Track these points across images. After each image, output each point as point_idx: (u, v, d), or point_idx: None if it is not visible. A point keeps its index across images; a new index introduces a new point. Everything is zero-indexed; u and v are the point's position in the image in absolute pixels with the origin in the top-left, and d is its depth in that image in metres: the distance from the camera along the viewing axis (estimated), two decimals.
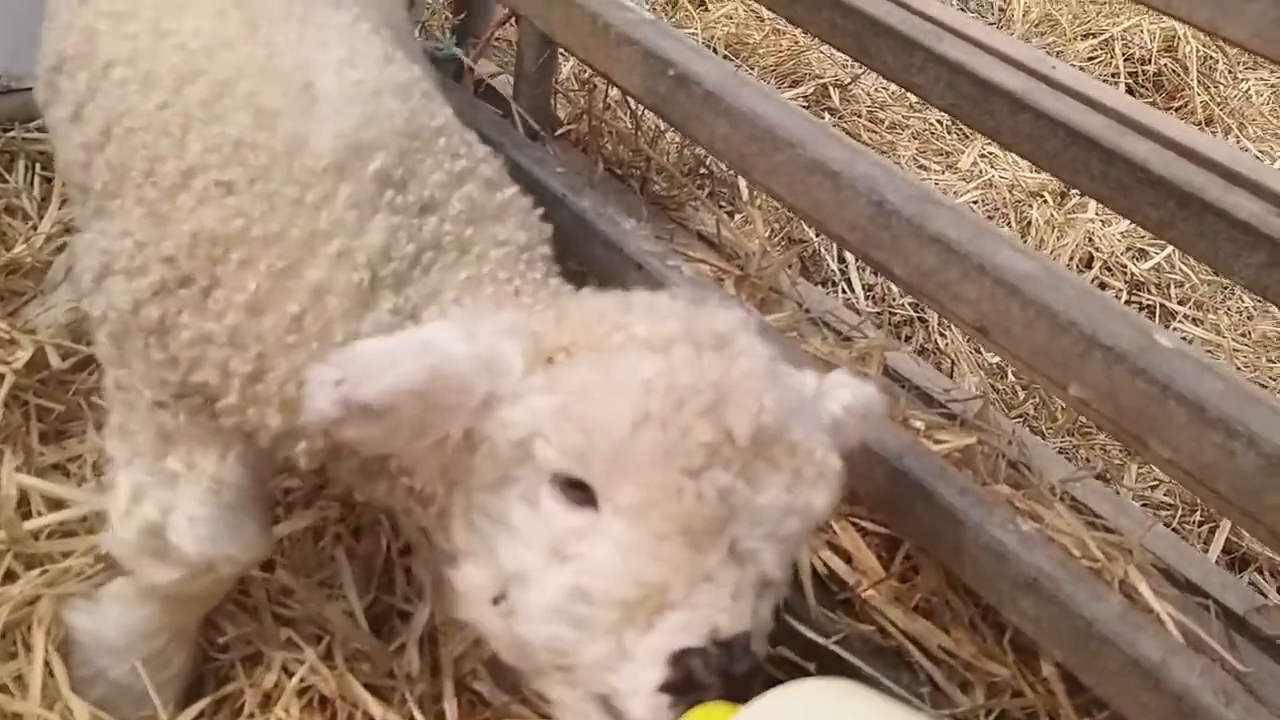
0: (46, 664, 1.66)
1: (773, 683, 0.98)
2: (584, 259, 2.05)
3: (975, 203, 3.55)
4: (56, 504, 1.89)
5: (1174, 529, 2.68)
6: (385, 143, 1.33)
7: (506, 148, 2.15)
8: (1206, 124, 4.06)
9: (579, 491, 1.08)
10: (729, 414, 1.07)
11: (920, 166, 3.65)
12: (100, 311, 1.43)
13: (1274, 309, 3.32)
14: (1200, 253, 1.63)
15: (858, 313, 2.87)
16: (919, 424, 1.94)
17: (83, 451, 2.03)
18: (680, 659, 1.01)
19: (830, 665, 1.74)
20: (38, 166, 2.57)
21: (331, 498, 1.99)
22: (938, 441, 1.88)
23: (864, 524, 1.84)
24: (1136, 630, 1.45)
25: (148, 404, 1.44)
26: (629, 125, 2.77)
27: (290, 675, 1.73)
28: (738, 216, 2.86)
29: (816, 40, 3.57)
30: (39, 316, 2.19)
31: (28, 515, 1.87)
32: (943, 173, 3.64)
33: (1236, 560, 2.61)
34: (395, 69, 1.44)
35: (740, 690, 1.00)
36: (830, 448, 1.15)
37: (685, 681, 1.00)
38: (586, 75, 2.89)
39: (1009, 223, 3.50)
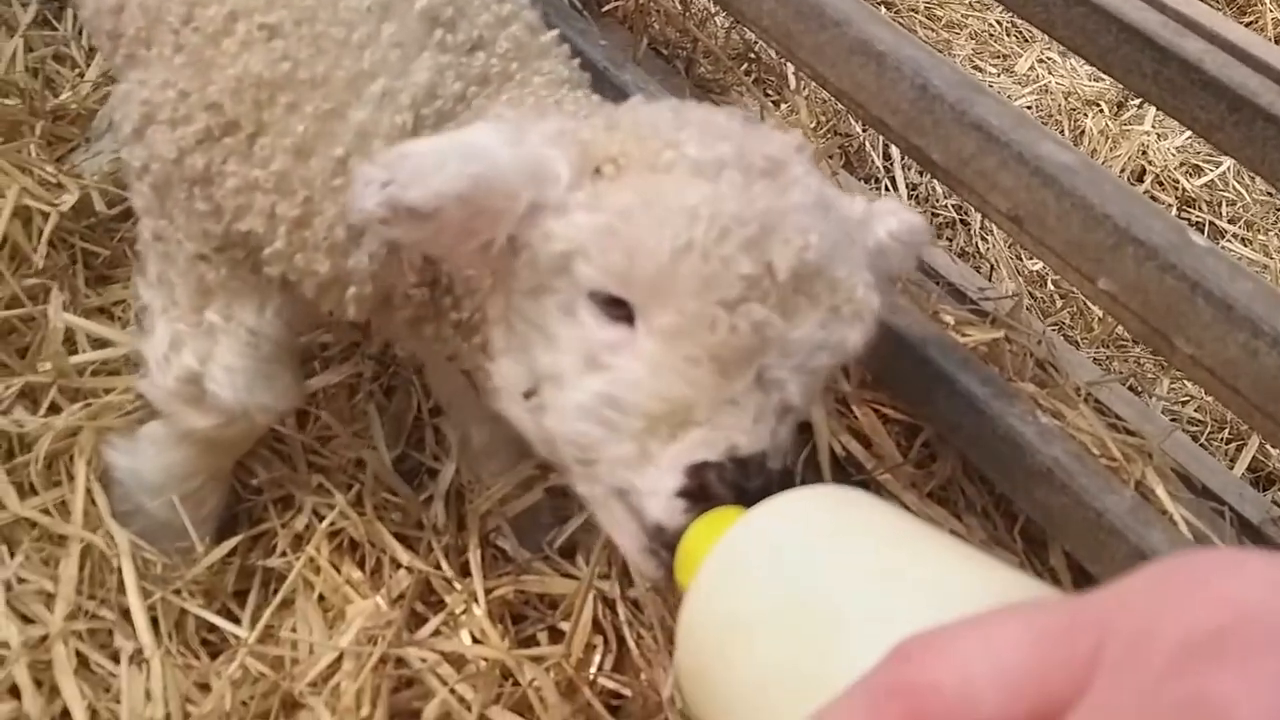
0: (89, 492, 1.73)
1: None
2: None
3: (1029, 108, 3.49)
4: (100, 343, 1.95)
5: (1201, 444, 2.69)
6: None
7: (551, 18, 2.14)
8: (1277, 43, 3.93)
9: (616, 307, 1.09)
10: (773, 248, 1.07)
11: (975, 68, 3.57)
12: (141, 162, 1.45)
13: None
14: (1248, 158, 1.60)
15: None
16: (949, 319, 1.95)
17: (126, 297, 2.08)
18: (698, 470, 1.03)
19: None
20: None
21: (367, 356, 2.04)
22: (965, 335, 1.89)
23: (885, 410, 1.87)
24: (1146, 525, 1.47)
25: (188, 256, 1.47)
26: (677, 4, 2.74)
27: (321, 519, 1.80)
28: (783, 106, 2.84)
29: None
30: (85, 163, 2.23)
31: (73, 352, 1.93)
32: (999, 75, 3.56)
33: (1261, 479, 2.62)
34: None
35: (757, 501, 1.04)
36: (871, 285, 1.14)
37: (700, 490, 1.03)
38: None
39: (1063, 130, 3.43)
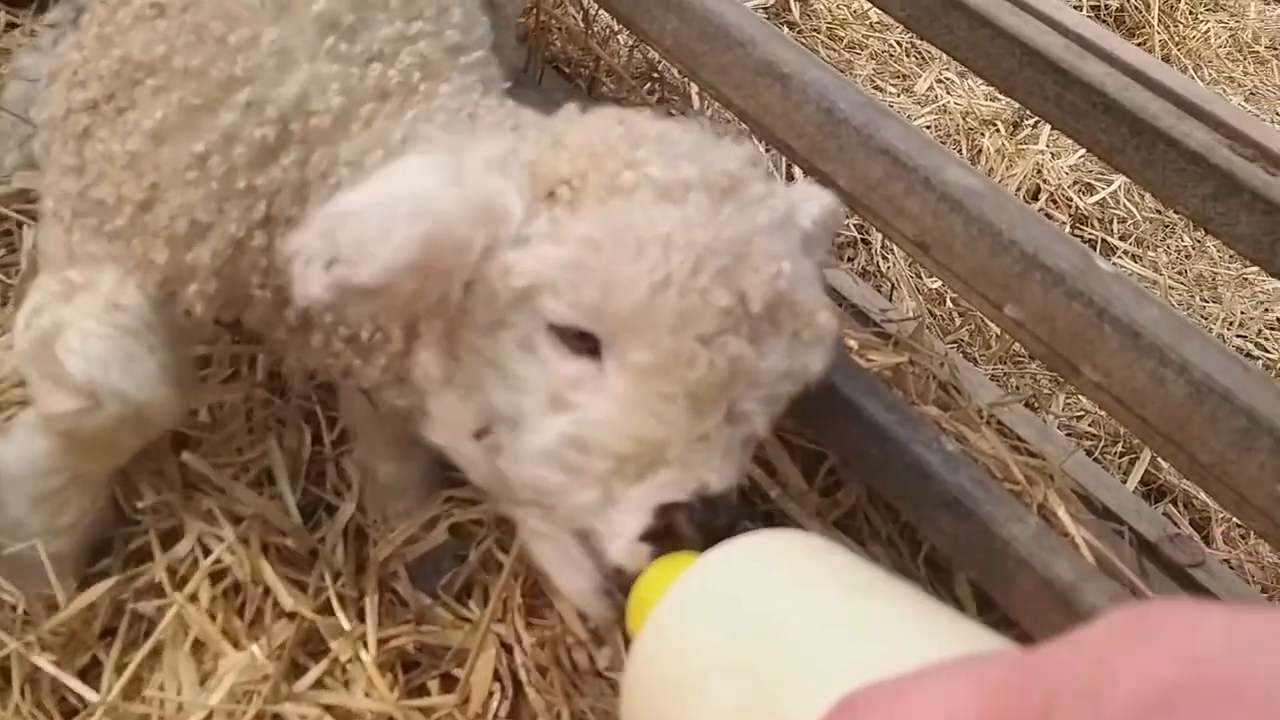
0: None
1: None
2: None
3: (929, 127, 3.52)
4: None
5: (1095, 458, 2.73)
6: None
7: None
8: (1164, 62, 4.05)
9: (580, 340, 1.04)
10: (744, 277, 1.03)
11: (876, 88, 3.60)
12: (42, 121, 1.42)
13: (1211, 249, 3.35)
14: (1148, 181, 1.61)
15: None
16: (852, 342, 1.93)
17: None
18: (666, 511, 1.00)
19: None
20: None
21: (257, 383, 1.93)
22: (869, 360, 1.87)
23: (789, 437, 1.83)
24: (1051, 553, 1.46)
25: (53, 214, 1.41)
26: (579, 23, 2.68)
27: (208, 553, 1.68)
28: None
29: None
30: None
31: None
32: (898, 95, 3.59)
33: (1153, 491, 2.67)
34: None
35: (714, 542, 1.00)
36: (829, 307, 1.12)
37: (666, 531, 0.99)
38: None
39: (960, 150, 3.48)
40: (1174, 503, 2.62)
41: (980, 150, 3.48)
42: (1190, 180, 1.54)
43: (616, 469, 1.02)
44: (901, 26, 1.88)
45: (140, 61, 1.27)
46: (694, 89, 2.81)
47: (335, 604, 1.69)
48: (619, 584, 1.02)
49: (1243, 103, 3.93)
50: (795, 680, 0.64)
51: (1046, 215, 3.39)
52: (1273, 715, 0.32)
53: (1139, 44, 4.07)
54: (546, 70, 2.49)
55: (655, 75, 2.87)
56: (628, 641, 0.84)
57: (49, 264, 1.44)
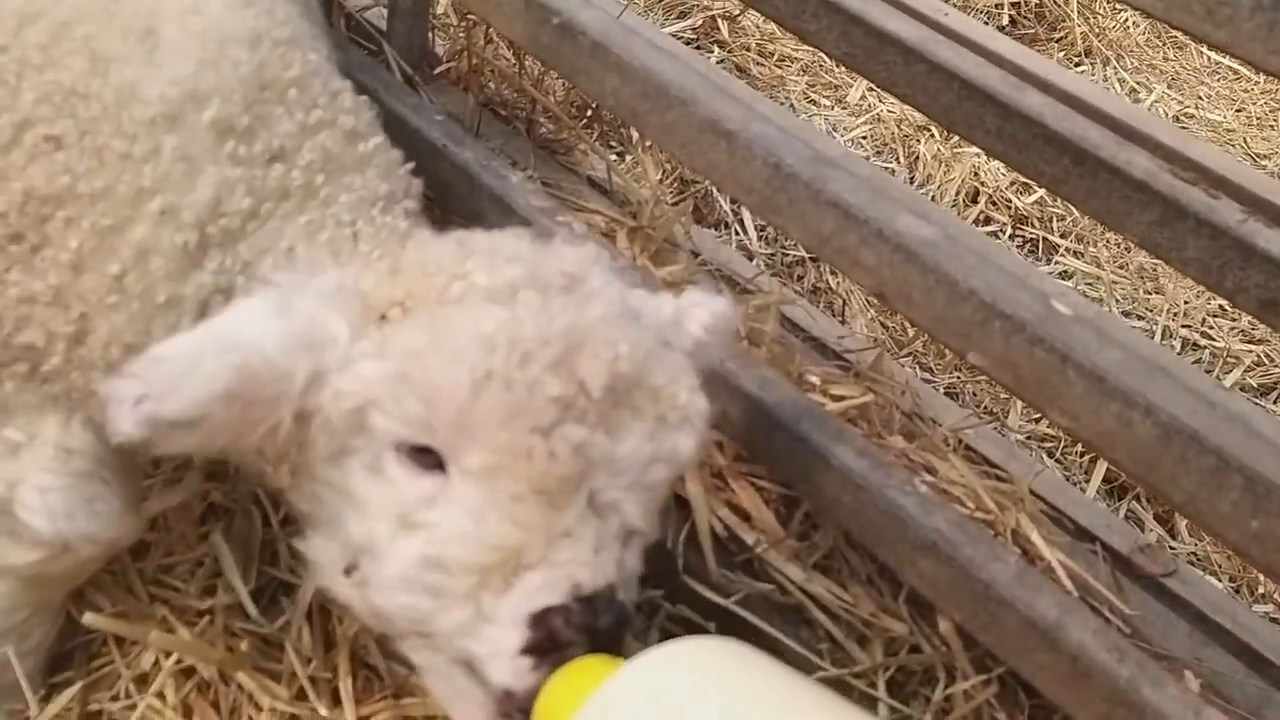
0: None
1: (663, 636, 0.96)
2: (468, 213, 1.96)
3: (864, 138, 3.55)
4: None
5: (1057, 459, 2.77)
6: (226, 91, 1.24)
7: (381, 94, 2.03)
8: (1086, 55, 4.11)
9: (425, 455, 1.03)
10: (581, 364, 1.02)
11: (810, 101, 3.61)
12: None
13: None
14: (1093, 209, 1.62)
15: (750, 256, 2.84)
16: (814, 379, 1.93)
17: None
18: (541, 619, 0.98)
19: (730, 624, 1.74)
20: None
21: (205, 470, 1.89)
22: (834, 398, 1.87)
23: (762, 483, 1.83)
24: (1033, 591, 1.46)
25: None
26: (512, 64, 2.66)
27: (169, 655, 1.64)
28: (629, 158, 2.79)
29: None
30: None
31: None
32: (832, 108, 3.61)
33: (1115, 489, 2.70)
34: (250, 14, 1.34)
35: (608, 643, 0.98)
36: (695, 388, 1.11)
37: (548, 640, 0.97)
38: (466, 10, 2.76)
39: (898, 158, 3.51)
40: (1137, 498, 2.66)
41: (917, 157, 3.51)
42: (1135, 208, 1.55)
43: (481, 582, 1.00)
44: (838, 62, 1.88)
45: (46, 195, 1.22)
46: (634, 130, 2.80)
47: (309, 690, 1.66)
48: (515, 706, 0.99)
49: (1166, 90, 4.00)
50: None
51: (986, 218, 3.43)
52: None
53: (1060, 38, 4.13)
54: (484, 115, 2.46)
55: (591, 112, 2.85)
56: None
57: None
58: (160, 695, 1.62)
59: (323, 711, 1.64)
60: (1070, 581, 1.73)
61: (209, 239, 1.21)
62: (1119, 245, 3.42)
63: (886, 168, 3.43)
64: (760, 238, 3.00)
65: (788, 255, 3.03)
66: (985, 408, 2.80)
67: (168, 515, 1.79)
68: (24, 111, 1.25)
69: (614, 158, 2.65)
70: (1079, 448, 2.79)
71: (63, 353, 1.25)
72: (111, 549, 1.46)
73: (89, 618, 1.59)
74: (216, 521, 1.84)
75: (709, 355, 1.22)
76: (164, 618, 1.69)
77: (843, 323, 2.75)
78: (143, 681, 1.66)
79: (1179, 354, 3.10)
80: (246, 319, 1.07)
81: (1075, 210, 3.43)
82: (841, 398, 1.91)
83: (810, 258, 3.04)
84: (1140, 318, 3.23)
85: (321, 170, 1.27)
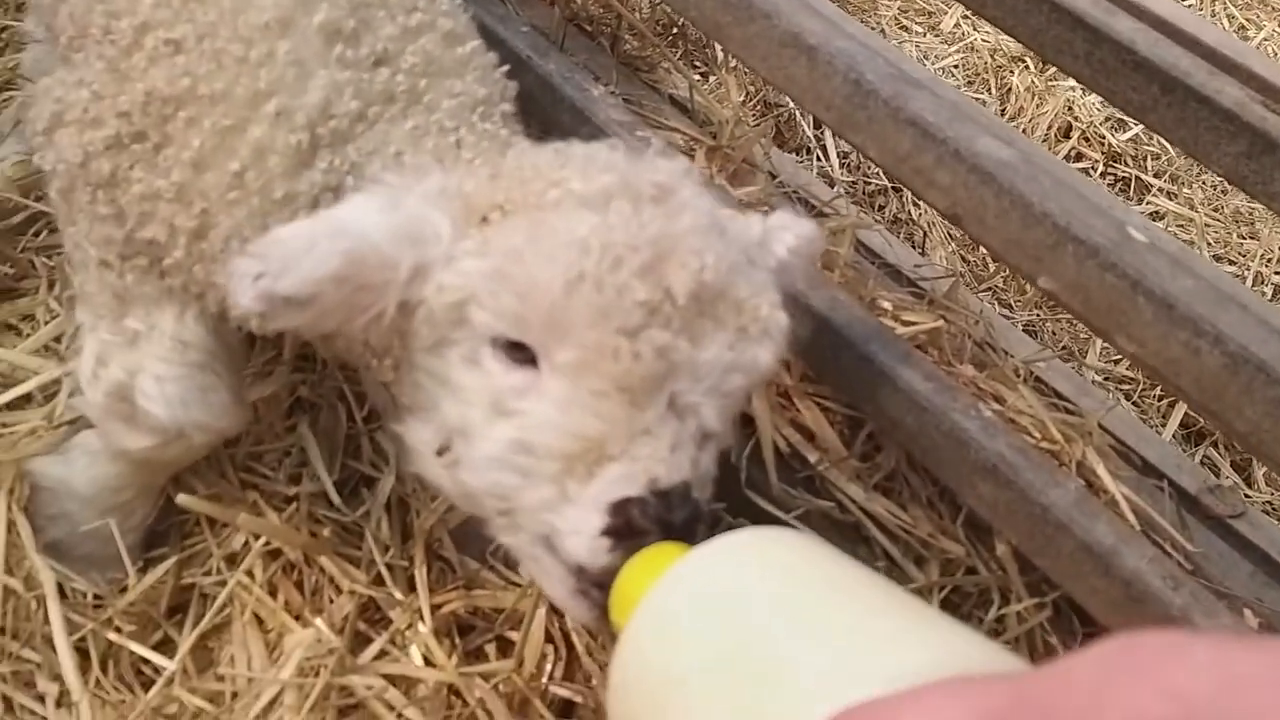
0: (10, 525, 1.66)
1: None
2: (549, 124, 1.99)
3: (956, 67, 3.48)
4: (6, 382, 1.86)
5: (1134, 402, 2.73)
6: None
7: (469, 3, 2.06)
8: (1195, 13, 3.96)
9: (519, 351, 1.08)
10: (668, 272, 1.05)
11: (902, 27, 3.55)
12: (50, 165, 1.40)
13: None
14: (1180, 139, 1.59)
15: (831, 183, 2.83)
16: (886, 304, 1.93)
17: (35, 310, 1.99)
18: (620, 507, 1.02)
19: None
20: None
21: (294, 364, 1.97)
22: (905, 323, 1.87)
23: (828, 403, 1.85)
24: (1090, 517, 1.47)
25: (95, 263, 1.43)
26: None
27: (258, 538, 1.74)
28: (712, 79, 2.78)
29: None
30: None
31: None
32: (924, 35, 3.54)
33: (1193, 434, 2.66)
34: None
35: (682, 536, 1.03)
36: (777, 303, 1.14)
37: (624, 527, 1.02)
38: None
39: (989, 89, 3.43)
40: (1215, 445, 2.62)
41: (1010, 89, 3.43)
42: (1223, 139, 1.52)
43: (565, 468, 1.04)
44: None
45: (168, 96, 1.28)
46: (719, 46, 2.78)
47: (386, 576, 1.74)
48: (592, 582, 1.04)
49: (1276, 28, 3.84)
50: (780, 693, 0.63)
51: (1078, 154, 3.35)
52: None
53: None
54: (569, 29, 2.47)
55: (677, 30, 2.84)
56: (614, 637, 0.84)
57: (99, 311, 1.46)
58: (249, 574, 1.72)
59: (398, 596, 1.72)
60: (1133, 515, 1.72)
61: (319, 139, 1.26)
62: (1215, 188, 3.32)
63: (977, 98, 3.37)
64: (842, 165, 2.98)
65: (870, 184, 3.01)
66: (1064, 346, 2.78)
67: (258, 406, 1.88)
68: (144, 15, 1.32)
69: (697, 78, 2.64)
70: (1157, 391, 2.75)
71: (184, 246, 1.32)
72: (220, 437, 1.55)
73: (184, 499, 1.69)
74: (304, 414, 1.93)
75: (792, 276, 1.25)
76: (254, 502, 1.79)
77: (922, 254, 2.73)
78: (232, 560, 1.76)
79: (1270, 300, 3.03)
80: (359, 212, 1.13)
81: (1169, 147, 3.35)
82: (912, 324, 1.92)
83: (893, 187, 3.01)
84: (1232, 263, 3.15)
85: (424, 74, 1.31)
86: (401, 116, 1.28)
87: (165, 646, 1.69)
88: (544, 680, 1.70)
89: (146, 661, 1.64)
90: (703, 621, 0.73)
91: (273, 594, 1.71)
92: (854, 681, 0.58)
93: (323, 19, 1.27)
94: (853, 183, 2.94)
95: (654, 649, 0.74)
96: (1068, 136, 3.37)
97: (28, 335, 1.96)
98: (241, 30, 1.27)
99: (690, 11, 1.70)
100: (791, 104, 2.93)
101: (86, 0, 1.37)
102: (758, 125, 2.53)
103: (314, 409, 1.94)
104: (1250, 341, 1.21)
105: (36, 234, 2.08)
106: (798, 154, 2.90)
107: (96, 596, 1.69)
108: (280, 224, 1.28)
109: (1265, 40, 3.77)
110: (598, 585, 1.03)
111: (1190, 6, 3.83)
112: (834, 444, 1.81)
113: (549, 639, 1.72)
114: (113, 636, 1.64)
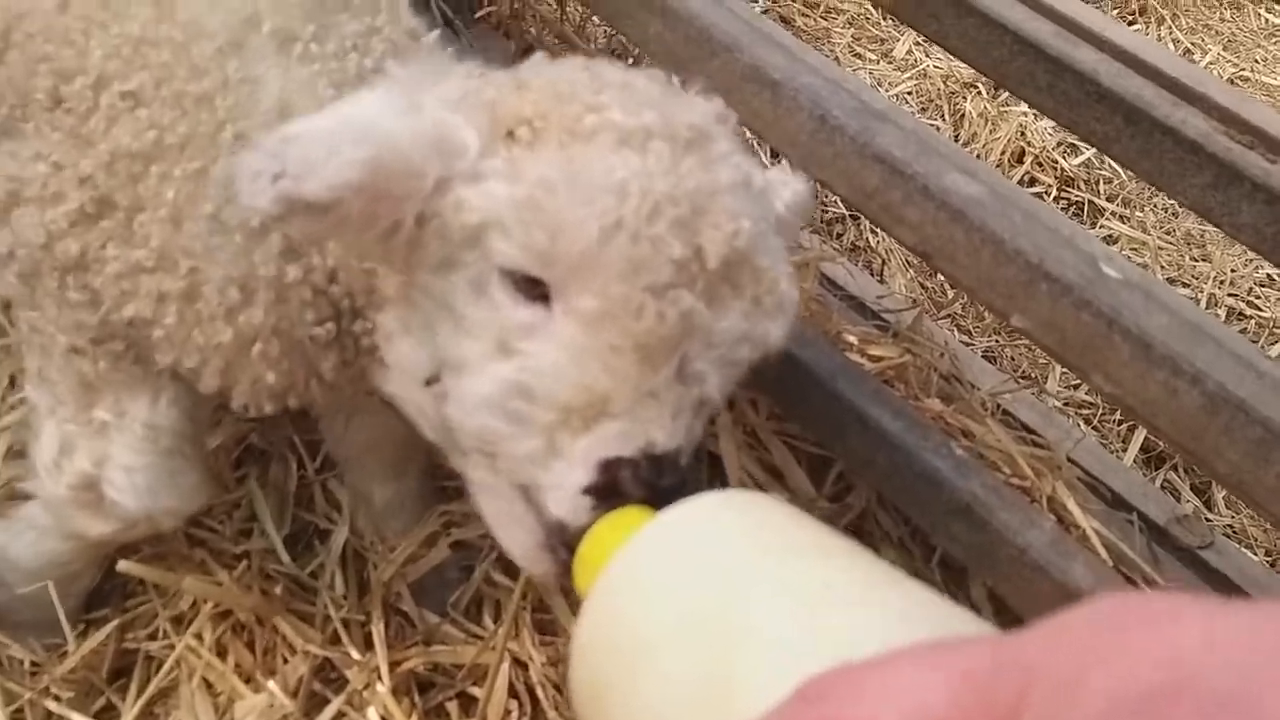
0: None
1: None
2: None
3: (909, 94, 3.48)
4: None
5: (1095, 427, 2.73)
6: (284, 6, 1.23)
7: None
8: (1140, 14, 4.01)
9: (532, 286, 1.00)
10: (703, 231, 0.99)
11: (855, 55, 3.55)
12: (6, 248, 1.30)
13: None
14: (1145, 171, 1.58)
15: None
16: (852, 338, 1.90)
17: None
18: (610, 466, 0.97)
19: None
20: None
21: (239, 419, 1.90)
22: (871, 358, 1.85)
23: (796, 442, 1.82)
24: (1068, 558, 1.45)
25: (63, 350, 1.33)
26: (554, 9, 2.63)
27: (206, 600, 1.67)
28: None
29: None
30: None
31: None
32: (877, 62, 3.54)
33: (1153, 458, 2.66)
34: None
35: (665, 503, 0.98)
36: (792, 278, 1.08)
37: (610, 487, 0.96)
38: None
39: (942, 115, 3.44)
40: (1175, 468, 2.62)
41: (963, 115, 3.44)
42: (1189, 170, 1.51)
43: (561, 420, 0.98)
44: (888, 14, 1.83)
45: (135, 152, 1.20)
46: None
47: (342, 634, 1.68)
48: (562, 540, 0.99)
49: (1221, 51, 3.90)
50: (751, 653, 0.61)
51: (1031, 179, 3.37)
52: None
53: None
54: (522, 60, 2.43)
55: (632, 59, 2.81)
56: (570, 601, 0.79)
57: (63, 400, 1.37)
58: (198, 636, 1.65)
59: (355, 655, 1.66)
60: (1105, 551, 1.70)
61: None
62: (1166, 210, 3.34)
63: (931, 124, 3.37)
64: None
65: (827, 212, 2.99)
66: (1023, 372, 2.77)
67: (207, 457, 1.81)
68: (95, 73, 1.22)
69: None
70: (1117, 415, 2.75)
71: (176, 313, 1.23)
72: (186, 518, 1.49)
73: (125, 565, 1.61)
74: (254, 464, 1.86)
75: (788, 235, 1.19)
76: (202, 561, 1.72)
77: (881, 282, 2.71)
78: (179, 621, 1.69)
79: (1224, 323, 3.04)
80: (378, 111, 1.03)
81: (1124, 172, 3.37)
82: (879, 358, 1.89)
83: (850, 215, 3.00)
84: (1185, 285, 3.16)
85: (393, 56, 1.24)
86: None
87: (108, 713, 1.62)
88: None
89: None
90: (673, 583, 0.71)
91: (222, 656, 1.64)
92: (825, 643, 0.58)
93: (272, 27, 1.20)
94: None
95: (623, 609, 0.72)
96: (1021, 162, 3.38)
97: None
98: (197, 62, 1.20)
99: (650, 46, 1.66)
100: (749, 134, 2.91)
101: (25, 63, 1.27)
102: None
103: (264, 457, 1.87)
104: (1229, 380, 1.19)
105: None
106: None
107: (34, 663, 1.61)
108: (256, 253, 1.20)
109: (1211, 64, 3.82)
110: (567, 545, 0.97)
111: (1136, 31, 3.87)
112: (803, 485, 1.77)
113: (513, 694, 1.67)
114: (51, 706, 1.56)
